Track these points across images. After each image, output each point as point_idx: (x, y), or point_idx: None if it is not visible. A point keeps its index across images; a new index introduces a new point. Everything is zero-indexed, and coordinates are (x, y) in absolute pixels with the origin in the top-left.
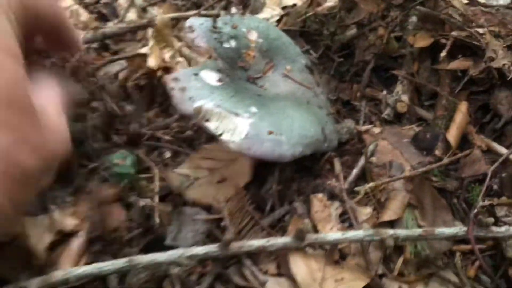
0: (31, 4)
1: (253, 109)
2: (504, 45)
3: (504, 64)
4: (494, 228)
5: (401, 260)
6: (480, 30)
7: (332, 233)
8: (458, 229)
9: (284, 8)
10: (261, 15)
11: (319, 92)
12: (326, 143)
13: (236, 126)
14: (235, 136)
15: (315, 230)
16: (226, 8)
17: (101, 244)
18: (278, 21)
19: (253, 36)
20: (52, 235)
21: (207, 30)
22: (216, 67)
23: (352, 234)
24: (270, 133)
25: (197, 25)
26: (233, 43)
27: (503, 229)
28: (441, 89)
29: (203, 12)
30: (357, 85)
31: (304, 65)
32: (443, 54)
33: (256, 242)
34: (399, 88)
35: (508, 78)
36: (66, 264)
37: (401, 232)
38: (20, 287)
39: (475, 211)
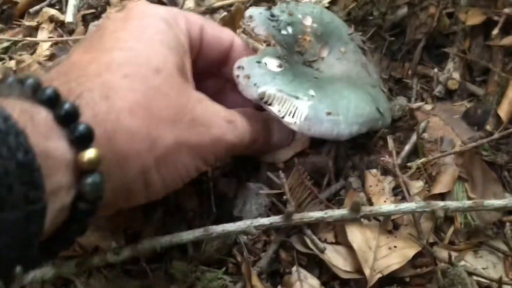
0: (196, 36)
1: (311, 92)
2: None
3: None
4: None
5: (451, 229)
6: None
7: (385, 205)
8: (507, 200)
9: None
10: None
11: (372, 71)
12: (380, 120)
13: (297, 109)
14: (296, 118)
15: (370, 203)
16: None
17: (178, 215)
18: (331, 2)
19: (308, 21)
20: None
21: (266, 18)
22: (276, 53)
23: (404, 206)
24: (328, 114)
25: (256, 14)
26: (290, 30)
27: None
28: (493, 65)
29: None
30: (409, 63)
31: (357, 46)
32: (495, 31)
33: (315, 214)
34: (450, 65)
35: None
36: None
37: (451, 203)
38: (113, 253)
39: None
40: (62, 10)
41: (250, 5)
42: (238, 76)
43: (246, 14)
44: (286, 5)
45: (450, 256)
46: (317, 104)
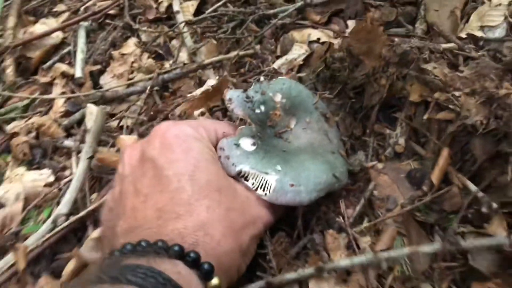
0: (213, 139)
1: (279, 167)
2: (479, 102)
3: (476, 121)
4: (463, 243)
5: (391, 276)
6: (457, 93)
7: (342, 260)
8: (435, 246)
9: (310, 43)
10: (289, 56)
11: (333, 136)
12: (337, 183)
13: (267, 182)
14: (266, 190)
15: (329, 257)
16: (260, 42)
17: None
18: (305, 59)
19: (278, 97)
20: None
21: (242, 100)
22: (251, 132)
23: (357, 259)
24: (292, 185)
25: (234, 97)
26: (262, 108)
27: (469, 243)
28: (430, 134)
29: (242, 53)
30: (367, 123)
31: (320, 114)
32: (428, 112)
33: (291, 276)
34: (398, 129)
35: (478, 132)
36: None
37: (393, 252)
38: None
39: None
40: (71, 64)
41: (235, 63)
42: (220, 156)
43: (226, 97)
44: (259, 85)
45: None
46: (283, 178)
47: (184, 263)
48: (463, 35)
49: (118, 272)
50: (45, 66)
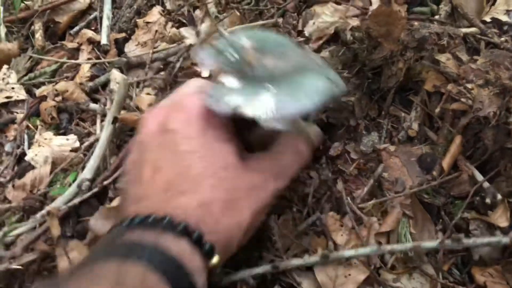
0: None
1: (271, 87)
2: (492, 93)
3: (489, 112)
4: (465, 240)
5: (393, 257)
6: (469, 85)
7: (347, 251)
8: (438, 242)
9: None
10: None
11: (315, 57)
12: (335, 87)
13: (265, 104)
14: (268, 113)
15: (333, 242)
16: (283, 15)
17: None
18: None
19: (247, 43)
20: None
21: (214, 56)
22: (232, 75)
23: (362, 250)
24: (290, 96)
25: (205, 55)
26: (236, 55)
27: (471, 241)
28: (445, 120)
29: (263, 22)
30: (383, 104)
31: (295, 45)
32: (441, 103)
33: (297, 261)
34: (413, 114)
35: (491, 124)
36: None
37: (397, 246)
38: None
39: (453, 222)
40: (97, 31)
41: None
42: (211, 104)
43: (197, 58)
44: (225, 38)
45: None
46: (279, 93)
47: (187, 241)
48: (488, 18)
49: (126, 248)
50: (72, 31)
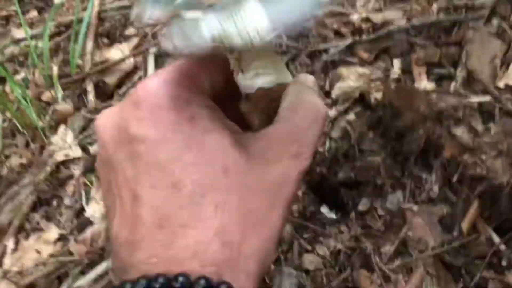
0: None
1: None
2: (505, 163)
3: (502, 181)
4: None
5: None
6: (484, 156)
7: None
8: None
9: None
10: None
11: None
12: None
13: (252, 14)
14: (262, 23)
15: None
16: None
17: None
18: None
19: None
20: None
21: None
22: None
23: None
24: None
25: (140, 11)
26: None
27: None
28: (462, 185)
29: None
30: (406, 166)
31: None
32: (458, 172)
33: None
34: (433, 177)
35: (505, 192)
36: None
37: None
38: None
39: (474, 282)
40: None
41: None
42: (174, 45)
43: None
44: None
45: None
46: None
47: None
48: (502, 84)
49: None
50: (121, 91)
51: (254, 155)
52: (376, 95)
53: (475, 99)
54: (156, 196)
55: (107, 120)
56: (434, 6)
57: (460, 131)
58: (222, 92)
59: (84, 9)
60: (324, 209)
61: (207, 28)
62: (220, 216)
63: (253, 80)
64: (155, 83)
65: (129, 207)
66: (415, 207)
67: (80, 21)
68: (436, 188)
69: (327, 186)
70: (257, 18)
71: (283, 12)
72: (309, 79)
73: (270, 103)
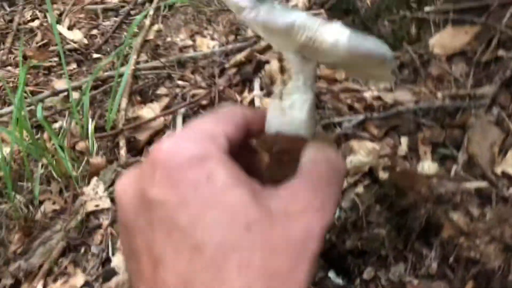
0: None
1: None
2: (497, 248)
3: (494, 266)
4: None
5: None
6: (478, 241)
7: None
8: None
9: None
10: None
11: None
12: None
13: (338, 29)
14: (337, 36)
15: None
16: None
17: None
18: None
19: None
20: None
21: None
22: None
23: None
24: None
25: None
26: None
27: None
28: (459, 263)
29: None
30: (409, 241)
31: None
32: (453, 254)
33: None
34: (433, 253)
35: (497, 276)
36: None
37: None
38: None
39: None
40: None
41: None
42: (257, 14)
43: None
44: None
45: None
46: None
47: None
48: (499, 171)
49: None
50: (150, 148)
51: (276, 210)
52: (383, 172)
53: (474, 184)
54: (178, 260)
55: (126, 184)
56: (440, 94)
57: (457, 216)
58: (239, 146)
59: (121, 65)
60: (332, 274)
61: (294, 16)
62: (244, 277)
63: (286, 110)
64: (170, 143)
65: (150, 271)
66: (415, 281)
67: (119, 75)
68: (435, 265)
69: (335, 253)
70: (339, 33)
71: (361, 40)
72: (330, 137)
73: (284, 151)
